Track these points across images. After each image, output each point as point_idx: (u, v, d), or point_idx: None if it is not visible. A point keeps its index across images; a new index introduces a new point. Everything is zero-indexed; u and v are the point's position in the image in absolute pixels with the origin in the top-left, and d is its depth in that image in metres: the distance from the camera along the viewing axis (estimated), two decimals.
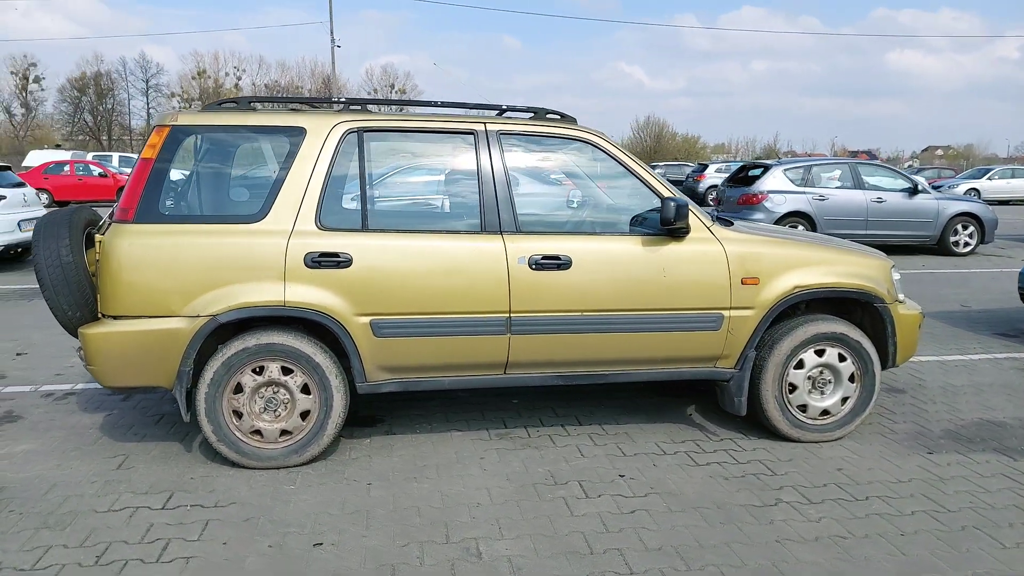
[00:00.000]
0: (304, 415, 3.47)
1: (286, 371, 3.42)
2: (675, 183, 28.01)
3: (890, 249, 12.15)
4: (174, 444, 3.75)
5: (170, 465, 3.50)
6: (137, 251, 3.26)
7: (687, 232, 3.65)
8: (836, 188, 11.54)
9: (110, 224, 3.34)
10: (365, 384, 3.50)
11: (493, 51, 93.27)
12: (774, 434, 3.88)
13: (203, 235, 3.31)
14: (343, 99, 3.70)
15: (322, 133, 3.48)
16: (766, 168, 11.89)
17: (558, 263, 3.53)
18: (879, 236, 11.51)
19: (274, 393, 3.43)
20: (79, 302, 3.34)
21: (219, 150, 3.60)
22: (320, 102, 3.73)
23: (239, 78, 72.26)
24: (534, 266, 3.51)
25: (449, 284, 3.45)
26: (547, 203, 4.10)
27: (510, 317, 3.51)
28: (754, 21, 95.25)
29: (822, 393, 3.87)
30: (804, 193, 11.35)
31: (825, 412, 3.88)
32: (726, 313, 3.69)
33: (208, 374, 3.34)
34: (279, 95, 68.96)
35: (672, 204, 3.48)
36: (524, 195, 3.79)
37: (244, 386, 3.39)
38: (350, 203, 3.50)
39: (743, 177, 12.38)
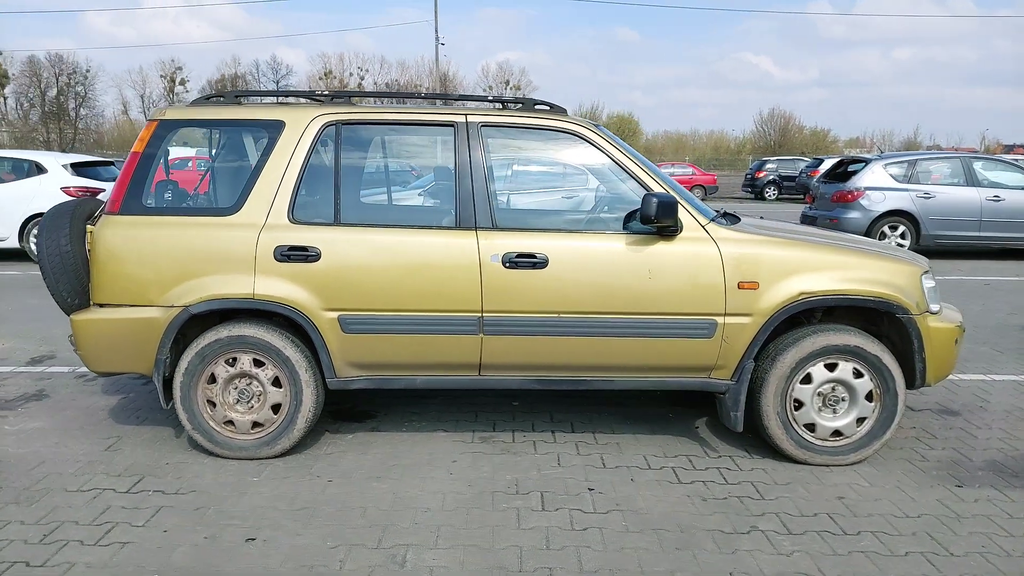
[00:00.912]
0: (275, 408, 3.48)
1: (258, 364, 3.45)
2: (787, 179, 26.74)
3: (1014, 254, 11.01)
4: (167, 429, 3.87)
5: (153, 450, 3.61)
6: (119, 242, 3.38)
7: (676, 231, 3.38)
8: (945, 185, 10.54)
9: (101, 216, 3.48)
10: (335, 380, 3.47)
11: (612, 44, 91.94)
12: (780, 454, 3.54)
13: (179, 227, 3.38)
14: (326, 92, 3.68)
15: (300, 126, 3.47)
16: (866, 163, 11.02)
17: (533, 261, 3.36)
18: (995, 238, 10.44)
19: (247, 385, 3.46)
20: (76, 289, 3.49)
21: (203, 144, 3.66)
22: (304, 95, 3.72)
23: (362, 78, 75.22)
24: (508, 264, 3.35)
25: (419, 281, 3.36)
26: (530, 198, 3.92)
27: (482, 317, 3.38)
28: (899, 5, 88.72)
29: (834, 412, 3.49)
30: (907, 191, 10.44)
31: (837, 433, 3.50)
32: (720, 320, 3.40)
33: (183, 363, 3.42)
34: (397, 93, 71.45)
35: (653, 200, 3.23)
36: (505, 189, 3.63)
37: (218, 377, 3.44)
38: (324, 196, 3.47)
39: (841, 172, 11.55)
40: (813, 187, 12.61)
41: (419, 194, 4.22)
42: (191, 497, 3.13)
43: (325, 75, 74.74)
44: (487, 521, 2.95)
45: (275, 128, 3.48)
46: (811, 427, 3.50)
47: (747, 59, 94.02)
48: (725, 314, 3.40)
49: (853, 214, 10.55)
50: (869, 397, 3.47)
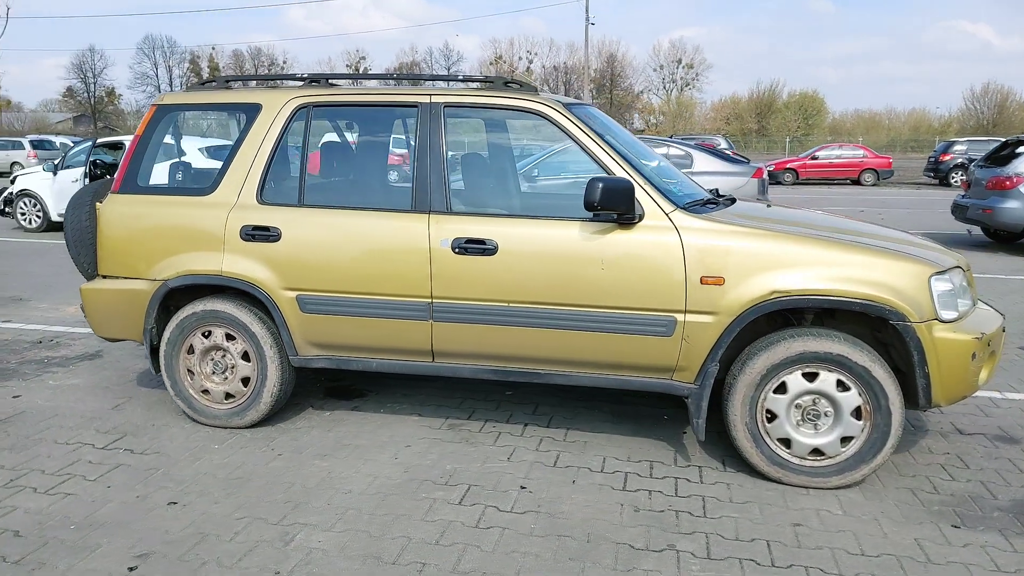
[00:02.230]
0: (245, 381, 3.63)
1: (230, 338, 3.61)
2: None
3: None
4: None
5: (149, 412, 3.90)
6: (116, 219, 3.66)
7: (634, 218, 3.12)
8: None
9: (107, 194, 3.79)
10: (297, 358, 3.56)
11: (800, 17, 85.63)
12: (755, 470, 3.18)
13: (164, 206, 3.61)
14: (306, 75, 3.74)
15: (275, 109, 3.57)
16: None
17: (483, 248, 3.24)
18: None
19: (221, 357, 3.64)
20: (93, 261, 3.84)
21: (193, 127, 3.86)
22: (288, 78, 3.81)
23: (530, 61, 76.18)
24: (457, 250, 3.26)
25: (370, 264, 3.36)
26: (489, 181, 3.75)
27: (432, 303, 3.32)
28: None
29: (815, 428, 3.08)
30: None
31: (818, 452, 3.08)
32: (680, 317, 3.10)
33: (167, 334, 3.66)
34: (567, 76, 71.48)
35: (597, 185, 2.98)
36: (465, 172, 3.51)
37: (195, 348, 3.65)
38: (292, 177, 3.55)
39: (1005, 155, 10.08)
40: (968, 172, 11.13)
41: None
42: (151, 458, 3.35)
43: (496, 60, 76.44)
44: (397, 509, 2.91)
45: (253, 110, 3.60)
46: (787, 442, 3.11)
47: (961, 27, 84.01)
48: (686, 311, 3.09)
49: (1011, 204, 9.21)
50: (857, 414, 3.03)
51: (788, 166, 25.67)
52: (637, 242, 3.12)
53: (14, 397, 4.11)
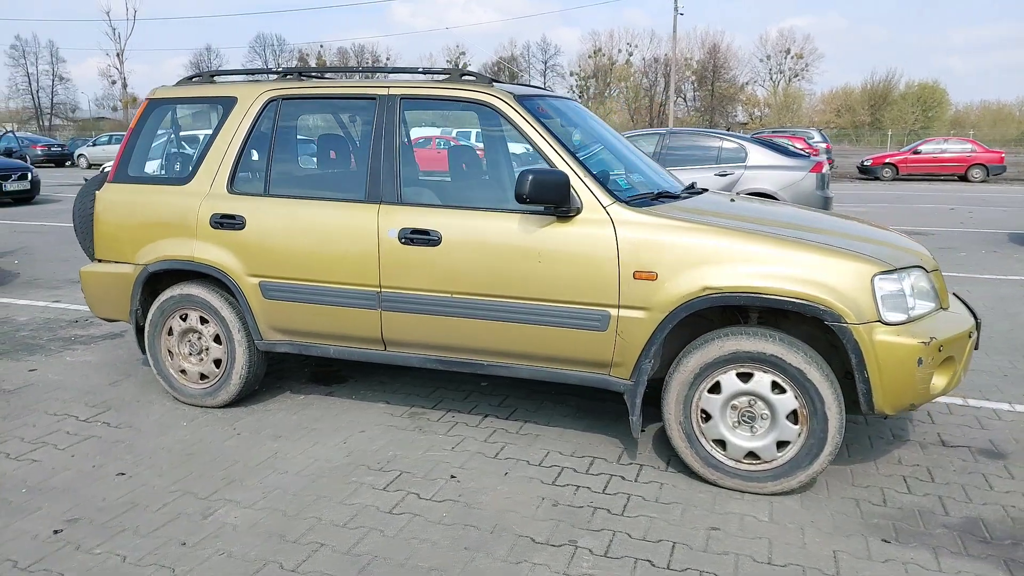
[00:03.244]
0: (217, 363, 3.82)
1: (204, 321, 3.80)
2: None
3: None
4: None
5: (140, 389, 4.15)
6: (108, 206, 3.92)
7: (570, 211, 3.08)
8: None
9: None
10: (262, 342, 3.71)
11: (927, 1, 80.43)
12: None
13: (148, 194, 3.83)
14: (282, 69, 3.88)
15: (248, 102, 3.72)
16: None
17: (427, 239, 3.28)
18: None
19: (196, 339, 3.84)
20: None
21: (179, 119, 4.06)
22: (270, 73, 3.94)
23: (630, 54, 75.21)
24: (404, 240, 3.31)
25: (324, 252, 3.46)
26: (440, 173, 3.75)
27: (380, 292, 3.39)
28: None
29: (752, 430, 2.96)
30: None
31: (754, 455, 2.96)
32: (613, 312, 3.04)
33: (150, 315, 3.89)
34: (666, 67, 70.14)
35: (527, 177, 2.96)
36: (417, 163, 3.54)
37: (174, 330, 3.86)
38: (259, 168, 3.69)
39: None
40: None
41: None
42: (123, 432, 3.58)
43: (594, 52, 75.92)
44: (322, 491, 3.00)
45: (230, 103, 3.77)
46: (722, 444, 3.00)
47: None
48: (619, 306, 3.03)
49: None
50: (793, 418, 2.89)
51: (888, 161, 24.25)
52: (573, 235, 3.08)
53: (30, 370, 4.47)
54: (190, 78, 4.04)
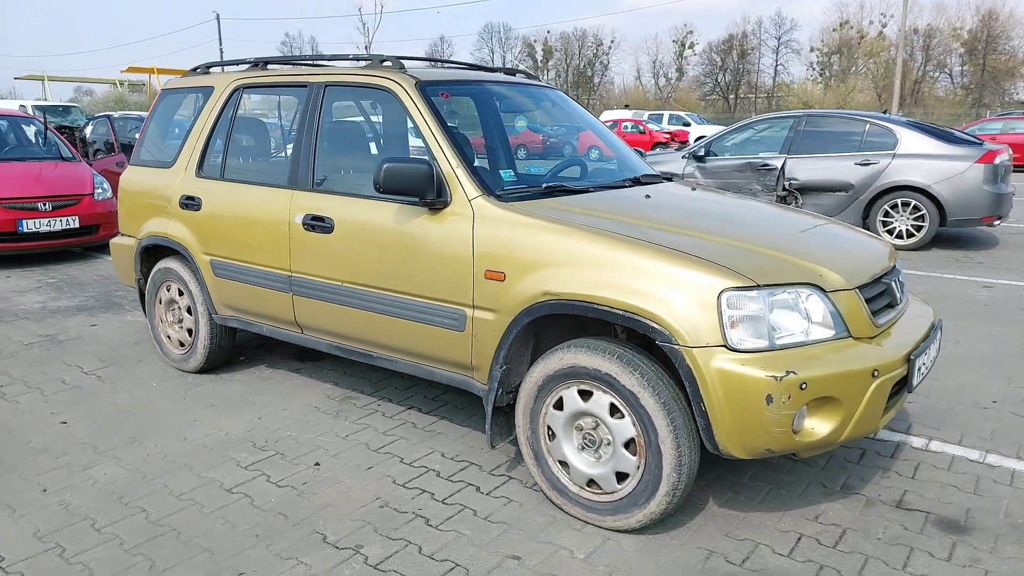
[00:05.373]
0: (190, 332, 4.15)
1: (181, 293, 4.15)
2: None
3: None
4: None
5: (146, 350, 4.62)
6: (123, 186, 4.41)
7: (437, 204, 2.93)
8: None
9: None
10: (218, 316, 3.97)
11: None
12: None
13: (147, 176, 4.24)
14: (252, 59, 4.05)
15: (219, 90, 3.97)
16: None
17: (323, 225, 3.30)
18: None
19: (176, 309, 4.20)
20: None
21: (179, 107, 4.41)
22: (261, 61, 4.08)
23: (884, 25, 68.00)
24: (306, 226, 3.37)
25: (253, 235, 3.61)
26: (352, 159, 3.62)
27: (291, 276, 3.48)
28: None
29: (597, 455, 2.63)
30: None
31: (595, 484, 2.64)
32: (469, 312, 2.86)
33: (148, 284, 4.32)
34: (927, 40, 62.47)
35: (382, 166, 2.85)
36: (334, 149, 3.52)
37: (162, 299, 4.26)
38: (220, 153, 3.92)
39: None
40: None
41: None
42: (103, 385, 4.03)
43: (840, 26, 69.69)
44: (193, 461, 3.16)
45: (208, 92, 4.05)
46: (566, 466, 2.71)
47: None
48: (473, 306, 2.84)
49: None
50: (631, 448, 2.52)
51: None
52: (438, 229, 2.93)
53: (91, 325, 5.16)
54: (194, 70, 4.38)
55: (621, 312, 2.43)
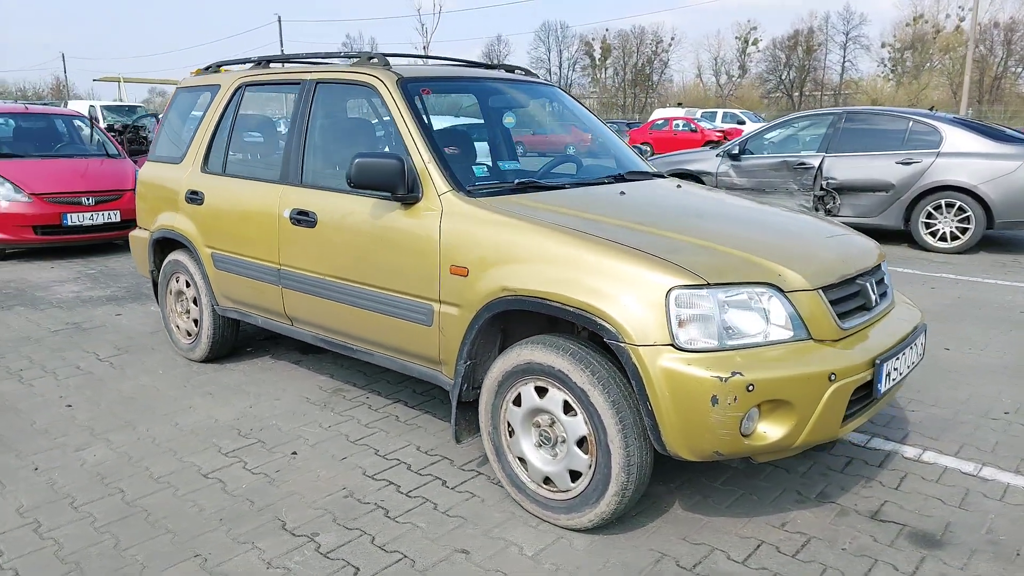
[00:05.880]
0: (196, 322, 4.29)
1: (188, 284, 4.29)
2: None
3: None
4: None
5: (160, 339, 4.79)
6: (141, 181, 4.58)
7: (408, 199, 2.96)
8: None
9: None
10: (219, 307, 4.09)
11: None
12: None
13: (161, 171, 4.40)
14: (255, 58, 4.15)
15: (225, 88, 4.09)
16: None
17: (308, 219, 3.37)
18: None
19: (184, 300, 4.35)
20: None
21: (192, 105, 4.54)
22: (264, 60, 4.17)
23: (962, 19, 65.31)
24: (293, 220, 3.44)
25: (245, 229, 3.71)
26: (340, 155, 3.64)
27: (280, 269, 3.56)
28: None
29: (554, 453, 2.62)
30: None
31: (550, 481, 2.63)
32: (436, 307, 2.88)
33: (160, 275, 4.48)
34: (1008, 33, 59.72)
35: (354, 161, 2.89)
36: (322, 145, 3.58)
37: (171, 289, 4.41)
38: (223, 149, 4.04)
39: None
40: None
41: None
42: (112, 371, 4.20)
43: (914, 20, 67.27)
44: (179, 446, 3.27)
45: (215, 90, 4.18)
46: (524, 463, 2.70)
47: None
48: (440, 301, 2.87)
49: None
50: (584, 446, 2.50)
51: None
52: (409, 224, 2.96)
53: (116, 315, 5.38)
54: (205, 68, 4.52)
55: (573, 309, 2.42)
